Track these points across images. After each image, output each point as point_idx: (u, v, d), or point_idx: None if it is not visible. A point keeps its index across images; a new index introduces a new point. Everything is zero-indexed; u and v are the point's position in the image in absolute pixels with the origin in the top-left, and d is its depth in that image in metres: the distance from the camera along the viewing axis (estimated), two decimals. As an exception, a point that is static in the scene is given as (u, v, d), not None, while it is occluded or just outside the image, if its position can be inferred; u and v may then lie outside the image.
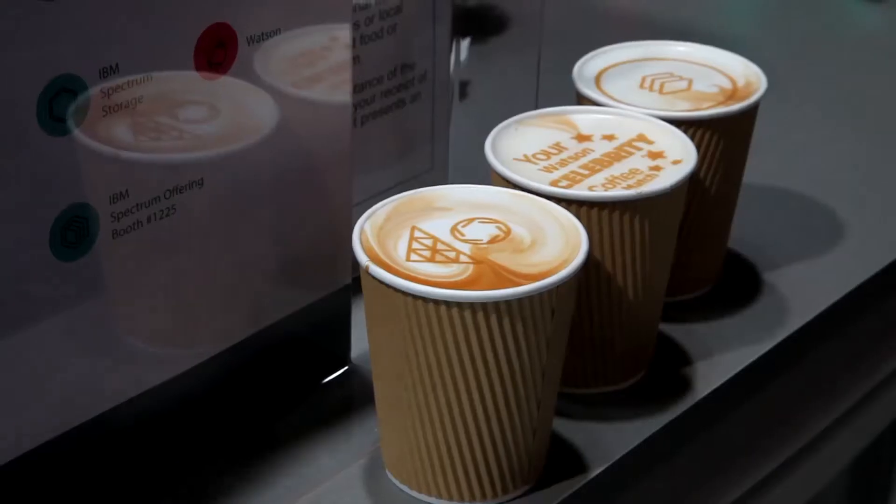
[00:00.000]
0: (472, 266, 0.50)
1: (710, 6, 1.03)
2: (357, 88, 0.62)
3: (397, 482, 0.54)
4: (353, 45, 0.61)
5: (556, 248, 0.51)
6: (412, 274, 0.49)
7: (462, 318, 0.49)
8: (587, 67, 0.66)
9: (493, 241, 0.52)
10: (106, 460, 0.52)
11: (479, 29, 0.95)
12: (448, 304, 0.48)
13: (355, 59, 0.61)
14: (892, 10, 1.01)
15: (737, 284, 0.67)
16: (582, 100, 0.64)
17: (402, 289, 0.49)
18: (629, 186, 0.56)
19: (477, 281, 0.49)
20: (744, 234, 0.70)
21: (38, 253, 0.46)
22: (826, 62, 0.93)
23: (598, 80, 0.65)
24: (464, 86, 0.87)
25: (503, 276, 0.50)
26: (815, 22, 1.00)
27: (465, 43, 0.90)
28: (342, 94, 0.56)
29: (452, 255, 0.51)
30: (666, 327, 0.64)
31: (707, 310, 0.65)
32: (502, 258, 0.51)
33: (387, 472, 0.54)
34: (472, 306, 0.48)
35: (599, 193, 0.55)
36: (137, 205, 0.49)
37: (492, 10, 1.00)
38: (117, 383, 0.51)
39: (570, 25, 0.96)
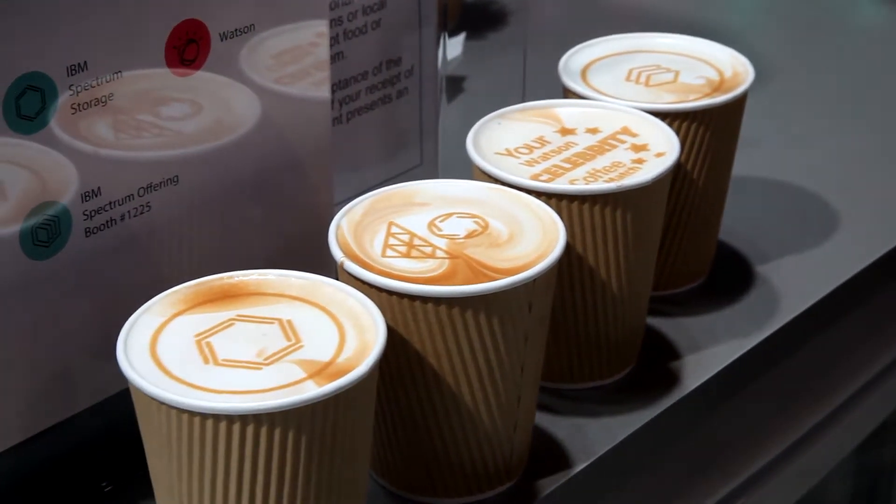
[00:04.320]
0: (447, 261, 0.50)
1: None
2: (341, 84, 0.62)
3: (378, 478, 0.54)
4: (337, 41, 0.60)
5: (533, 242, 0.51)
6: (387, 270, 0.49)
7: (437, 314, 0.48)
8: (573, 61, 0.66)
9: (470, 235, 0.51)
10: (83, 459, 0.51)
11: (476, 24, 0.95)
12: (423, 299, 0.48)
13: (339, 55, 0.61)
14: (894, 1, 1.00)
15: (728, 277, 0.67)
16: (568, 93, 0.64)
17: (377, 284, 0.49)
18: (611, 179, 0.56)
19: (452, 276, 0.49)
20: (736, 226, 0.70)
21: (9, 251, 0.46)
22: (824, 54, 0.92)
23: (584, 73, 0.65)
24: (460, 81, 0.86)
25: (479, 271, 0.49)
26: (817, 12, 0.99)
27: (460, 38, 0.90)
28: (321, 91, 0.56)
29: (429, 250, 0.51)
30: (655, 321, 0.63)
31: (697, 303, 0.65)
32: (478, 253, 0.50)
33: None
34: (447, 301, 0.48)
35: (579, 187, 0.55)
36: (111, 203, 0.49)
37: (490, 5, 1.00)
38: (95, 381, 0.51)
39: (572, 20, 0.95)
